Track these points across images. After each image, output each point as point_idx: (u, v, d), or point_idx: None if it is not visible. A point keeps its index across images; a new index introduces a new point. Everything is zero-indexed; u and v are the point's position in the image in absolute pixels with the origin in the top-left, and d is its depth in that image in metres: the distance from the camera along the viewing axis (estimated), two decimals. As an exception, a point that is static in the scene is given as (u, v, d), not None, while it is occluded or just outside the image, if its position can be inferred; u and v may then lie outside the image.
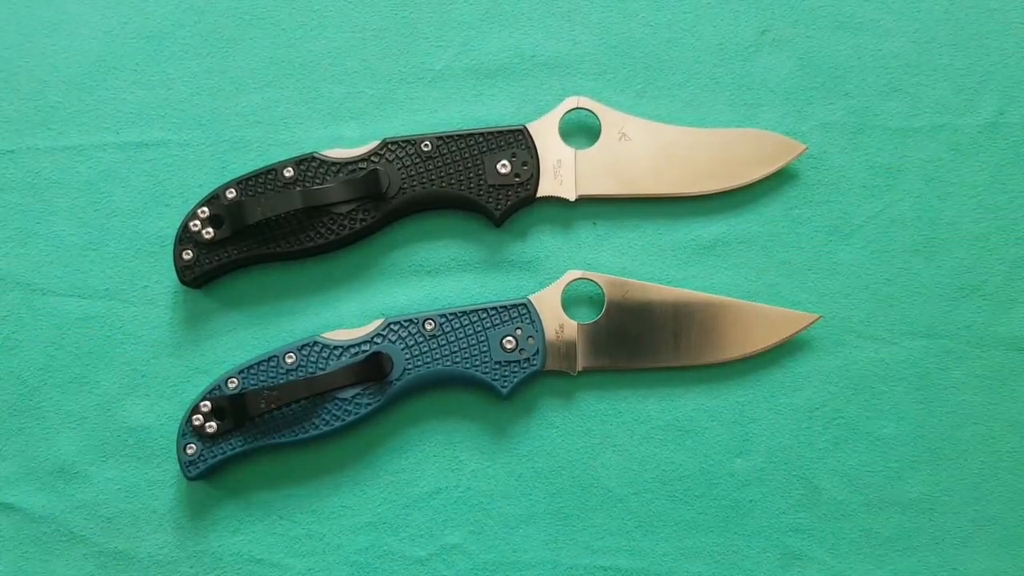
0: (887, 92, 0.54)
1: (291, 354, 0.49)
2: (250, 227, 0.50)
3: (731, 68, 0.54)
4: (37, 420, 0.51)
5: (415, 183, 0.51)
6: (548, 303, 0.50)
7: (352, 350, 0.50)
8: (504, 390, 0.49)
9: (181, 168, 0.54)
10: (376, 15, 0.55)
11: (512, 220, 0.52)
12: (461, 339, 0.50)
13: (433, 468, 0.51)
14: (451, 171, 0.51)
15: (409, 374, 0.49)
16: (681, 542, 0.50)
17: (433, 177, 0.51)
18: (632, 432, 0.51)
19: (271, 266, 0.52)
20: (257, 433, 0.49)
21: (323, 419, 0.49)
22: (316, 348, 0.50)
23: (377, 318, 0.51)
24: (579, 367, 0.50)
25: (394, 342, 0.50)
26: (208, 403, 0.49)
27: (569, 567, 0.50)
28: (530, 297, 0.50)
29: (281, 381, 0.49)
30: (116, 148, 0.54)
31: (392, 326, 0.50)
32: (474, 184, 0.51)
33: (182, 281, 0.51)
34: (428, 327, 0.50)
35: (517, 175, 0.51)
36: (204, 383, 0.50)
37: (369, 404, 0.49)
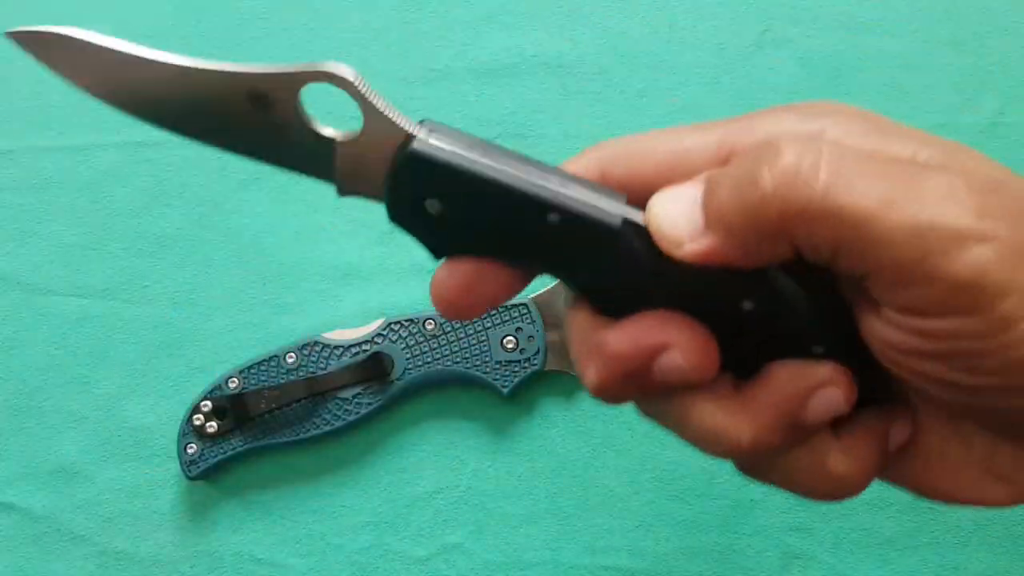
0: (887, 92, 0.54)
1: (291, 354, 0.49)
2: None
3: (732, 68, 0.54)
4: (37, 420, 0.51)
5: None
6: (548, 303, 0.50)
7: (352, 350, 0.50)
8: (505, 390, 0.49)
9: (181, 168, 0.54)
10: (376, 15, 0.55)
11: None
12: (462, 339, 0.50)
13: (434, 468, 0.51)
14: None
15: (410, 374, 0.49)
16: (682, 541, 0.50)
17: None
18: (633, 431, 0.51)
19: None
20: (258, 432, 0.49)
21: (323, 419, 0.49)
22: (316, 348, 0.50)
23: (377, 318, 0.51)
24: (580, 367, 0.50)
25: (394, 342, 0.50)
26: (208, 403, 0.49)
27: (570, 566, 0.50)
28: (530, 297, 0.51)
29: (282, 381, 0.49)
30: (116, 148, 0.54)
31: (392, 326, 0.50)
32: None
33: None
34: (429, 327, 0.50)
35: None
36: (204, 383, 0.50)
37: (370, 404, 0.49)
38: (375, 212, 0.53)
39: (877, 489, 0.51)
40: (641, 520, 0.50)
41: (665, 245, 0.24)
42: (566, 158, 0.26)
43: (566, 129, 0.54)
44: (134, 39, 0.59)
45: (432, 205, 0.24)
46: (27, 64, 0.58)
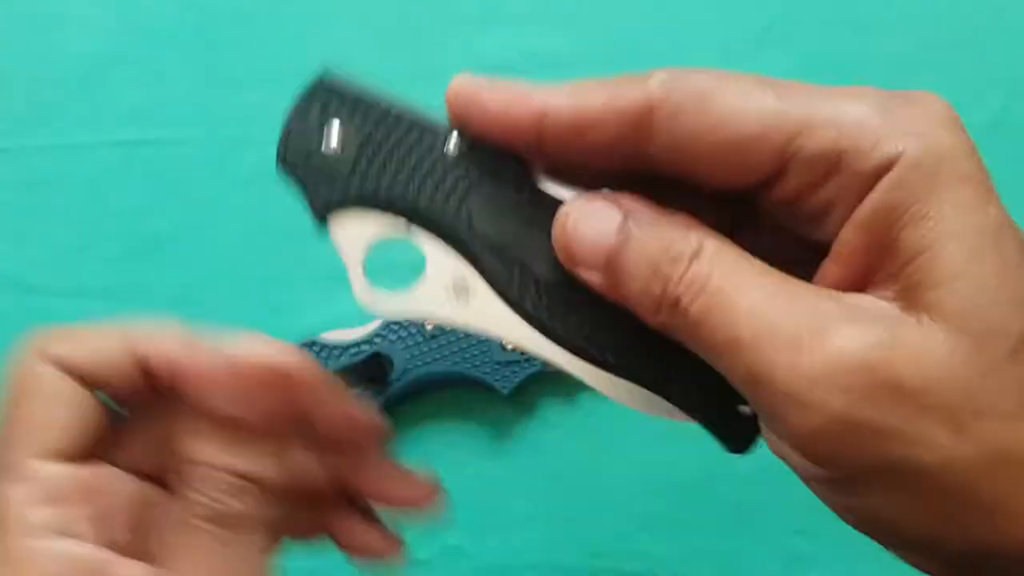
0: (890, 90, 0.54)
1: (290, 354, 0.49)
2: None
3: (734, 66, 0.54)
4: (33, 421, 0.51)
5: None
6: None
7: (351, 350, 0.49)
8: (505, 390, 0.49)
9: (179, 167, 0.53)
10: (377, 13, 0.55)
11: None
12: (461, 339, 0.49)
13: (433, 469, 0.50)
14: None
15: (409, 374, 0.49)
16: (684, 544, 0.49)
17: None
18: (635, 432, 0.50)
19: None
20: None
21: (322, 420, 0.49)
22: (315, 348, 0.49)
23: (376, 318, 0.50)
24: (581, 367, 0.50)
25: (394, 342, 0.49)
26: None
27: (571, 569, 0.49)
28: (530, 297, 0.50)
29: None
30: (113, 146, 0.54)
31: (392, 326, 0.49)
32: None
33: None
34: (428, 327, 0.49)
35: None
36: (202, 383, 0.50)
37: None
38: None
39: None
40: (643, 522, 0.50)
41: (564, 257, 0.26)
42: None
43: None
44: (132, 36, 0.58)
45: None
46: (23, 61, 0.57)
